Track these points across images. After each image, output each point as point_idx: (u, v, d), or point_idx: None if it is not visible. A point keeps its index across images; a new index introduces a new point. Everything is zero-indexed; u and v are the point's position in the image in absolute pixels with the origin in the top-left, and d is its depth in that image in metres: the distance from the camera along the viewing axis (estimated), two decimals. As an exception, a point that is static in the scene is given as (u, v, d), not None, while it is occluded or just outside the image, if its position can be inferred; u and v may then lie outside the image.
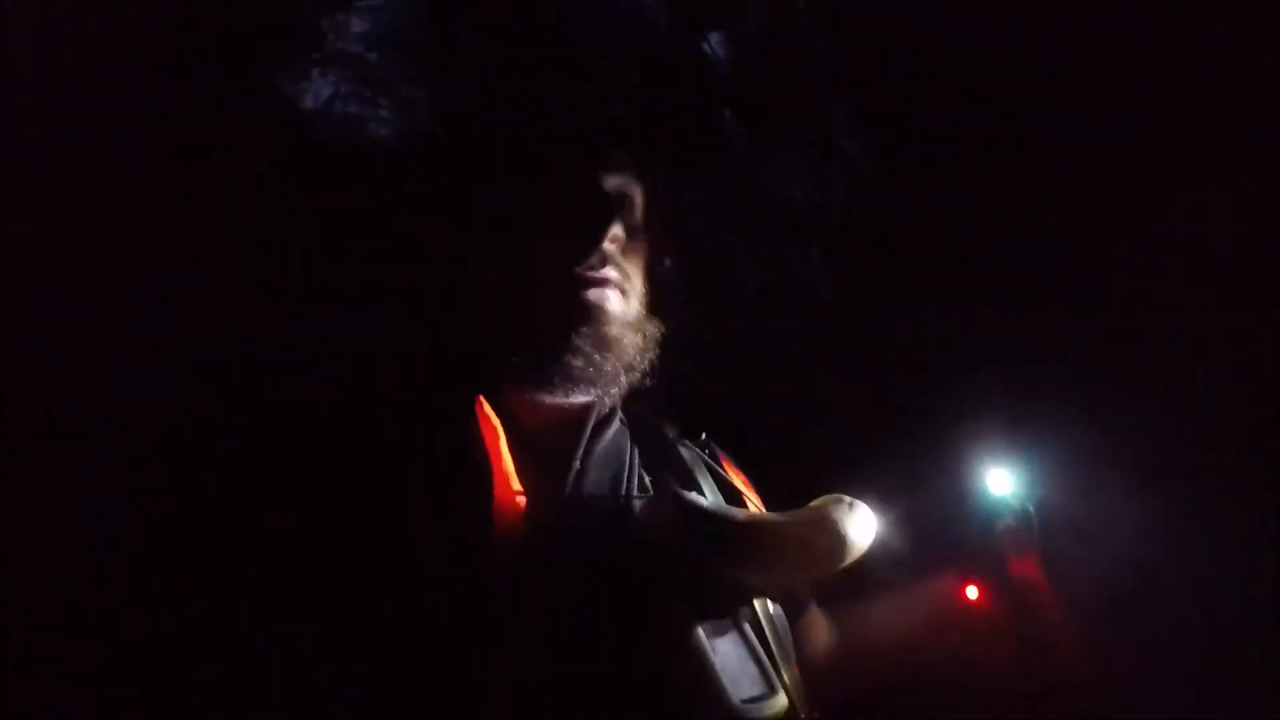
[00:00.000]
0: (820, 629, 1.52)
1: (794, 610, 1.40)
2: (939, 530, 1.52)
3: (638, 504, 1.27)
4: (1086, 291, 1.78)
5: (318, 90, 1.47)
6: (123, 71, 1.48)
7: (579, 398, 1.30)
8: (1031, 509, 1.47)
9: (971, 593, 1.50)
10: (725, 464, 1.47)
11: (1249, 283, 1.74)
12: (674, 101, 1.61)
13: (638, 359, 1.34)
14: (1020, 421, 1.55)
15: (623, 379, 1.32)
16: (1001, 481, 1.48)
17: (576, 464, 1.25)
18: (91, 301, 1.51)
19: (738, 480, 1.46)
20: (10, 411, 1.44)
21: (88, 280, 1.53)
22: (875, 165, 1.75)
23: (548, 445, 1.25)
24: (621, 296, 1.32)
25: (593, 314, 1.27)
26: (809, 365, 1.74)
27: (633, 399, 1.40)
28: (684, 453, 1.41)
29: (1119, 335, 1.72)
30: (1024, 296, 1.76)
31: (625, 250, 1.34)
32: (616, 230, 1.30)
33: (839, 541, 1.22)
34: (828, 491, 1.31)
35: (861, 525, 1.25)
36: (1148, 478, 1.59)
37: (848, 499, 1.27)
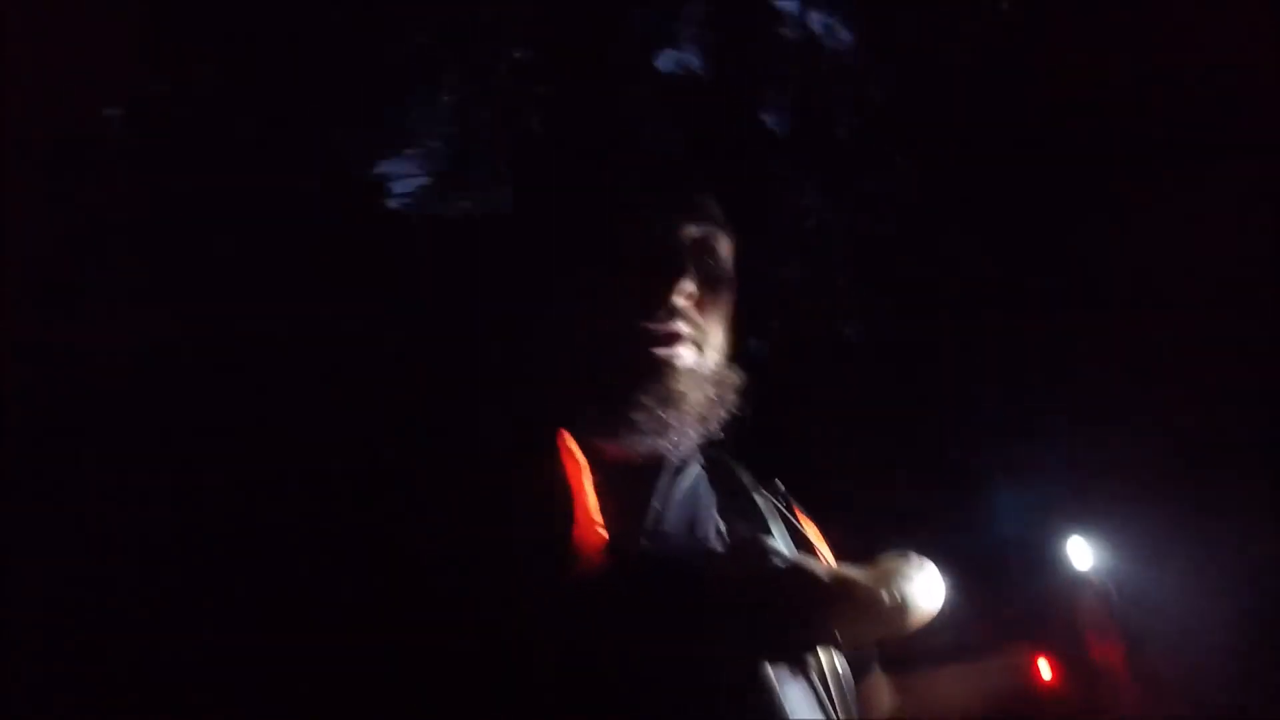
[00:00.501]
0: (883, 694, 1.47)
1: (859, 670, 1.35)
2: (1014, 600, 1.46)
3: (715, 546, 1.26)
4: (1177, 363, 1.72)
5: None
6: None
7: (648, 446, 1.28)
8: (1113, 585, 1.41)
9: (1045, 670, 1.44)
10: (798, 514, 1.45)
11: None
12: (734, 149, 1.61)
13: (710, 411, 1.32)
14: (1108, 489, 1.49)
15: (692, 432, 1.30)
16: (1083, 553, 1.42)
17: (656, 504, 1.25)
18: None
19: (810, 530, 1.44)
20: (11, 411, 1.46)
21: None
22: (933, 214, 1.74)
23: (628, 485, 1.24)
24: (695, 350, 1.30)
25: (659, 370, 1.26)
26: (887, 423, 1.71)
27: (711, 445, 1.38)
28: (759, 500, 1.40)
29: (1211, 402, 1.66)
30: (1113, 364, 1.71)
31: (704, 302, 1.32)
32: (688, 283, 1.29)
33: (907, 602, 1.17)
34: (896, 542, 1.27)
35: (931, 587, 1.21)
36: (1242, 566, 1.51)
37: (915, 556, 1.23)
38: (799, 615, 1.16)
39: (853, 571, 1.24)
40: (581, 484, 1.18)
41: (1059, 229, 1.98)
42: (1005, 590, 1.44)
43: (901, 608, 1.18)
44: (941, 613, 1.22)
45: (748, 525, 1.31)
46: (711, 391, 1.32)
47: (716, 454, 1.41)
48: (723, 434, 1.35)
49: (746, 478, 1.44)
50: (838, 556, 1.44)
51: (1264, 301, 1.71)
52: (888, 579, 1.19)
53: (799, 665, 1.17)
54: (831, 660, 1.24)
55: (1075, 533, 1.43)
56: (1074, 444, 1.64)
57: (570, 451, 1.21)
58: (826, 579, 1.22)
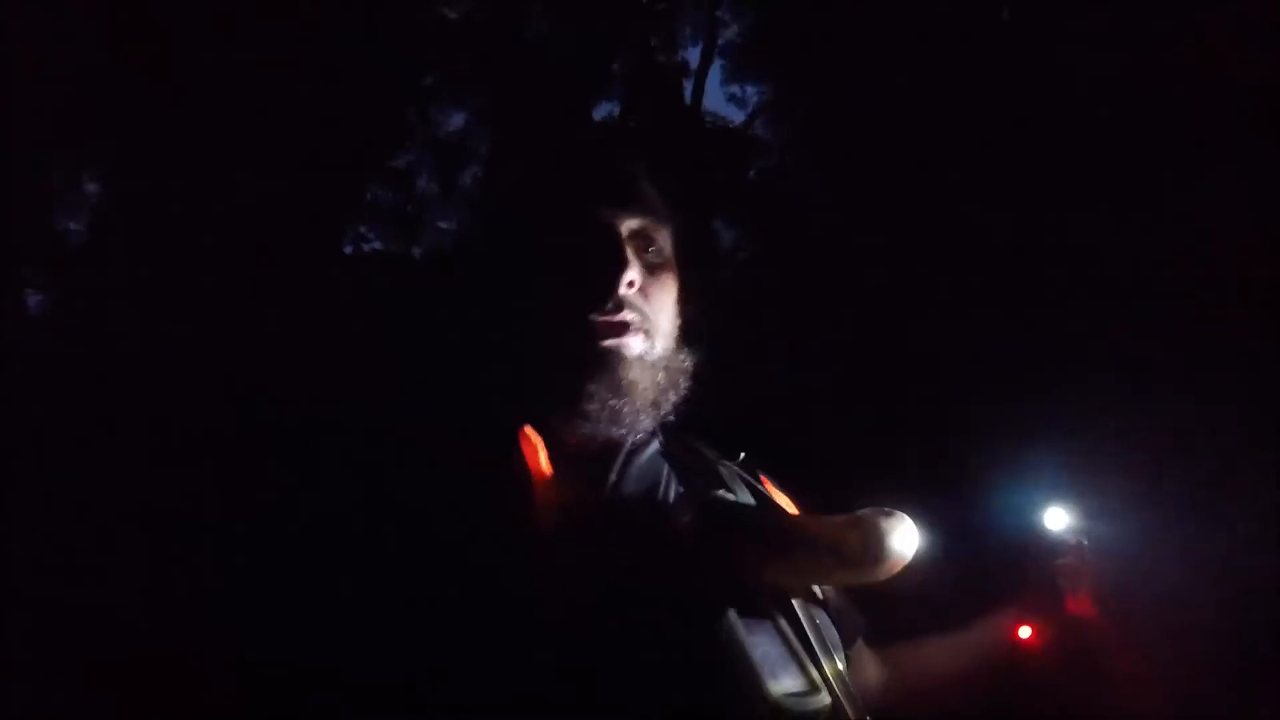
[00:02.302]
0: (868, 665, 1.51)
1: (845, 640, 1.38)
2: (992, 567, 1.52)
3: (673, 507, 1.30)
4: (1148, 327, 1.79)
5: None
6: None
7: (603, 434, 1.32)
8: (1087, 544, 1.46)
9: (1024, 632, 1.49)
10: (765, 482, 1.49)
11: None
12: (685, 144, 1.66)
13: (662, 397, 1.35)
14: (1078, 455, 1.55)
15: (645, 418, 1.33)
16: (1058, 517, 1.48)
17: (613, 476, 1.30)
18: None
19: (780, 498, 1.47)
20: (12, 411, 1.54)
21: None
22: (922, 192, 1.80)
23: (586, 462, 1.29)
24: (643, 338, 1.33)
25: (608, 360, 1.29)
26: (857, 392, 1.77)
27: (669, 427, 1.42)
28: (722, 470, 1.43)
29: (1183, 369, 1.72)
30: (1085, 332, 1.78)
31: (647, 289, 1.35)
32: (633, 274, 1.31)
33: (875, 544, 1.20)
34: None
35: (902, 535, 1.22)
36: (1205, 512, 1.57)
37: (888, 509, 1.25)
38: (755, 563, 1.22)
39: (814, 517, 1.31)
40: (538, 461, 1.23)
41: (1048, 219, 2.05)
42: (984, 556, 1.50)
43: (866, 550, 1.20)
44: (920, 571, 1.24)
45: (708, 486, 1.34)
46: (662, 377, 1.35)
47: (676, 434, 1.45)
48: (674, 417, 1.39)
49: (710, 452, 1.47)
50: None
51: (1231, 275, 1.77)
52: (854, 523, 1.22)
53: (766, 614, 1.20)
54: (804, 604, 1.26)
55: (1053, 499, 1.48)
56: (1052, 413, 1.70)
57: (528, 435, 1.25)
58: (782, 522, 1.30)
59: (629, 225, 1.37)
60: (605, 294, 1.30)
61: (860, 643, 1.49)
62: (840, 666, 1.25)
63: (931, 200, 2.71)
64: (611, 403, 1.29)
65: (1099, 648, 1.44)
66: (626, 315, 1.31)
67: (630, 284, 1.32)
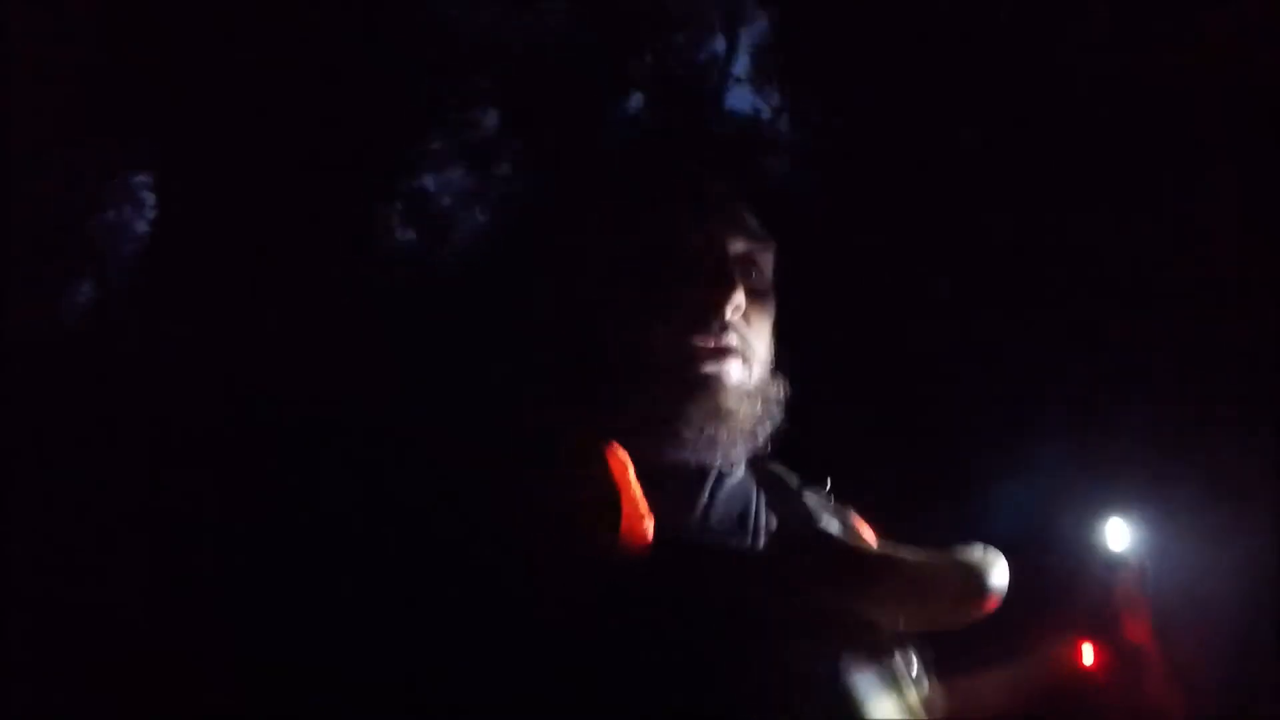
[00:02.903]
0: (936, 699, 1.40)
1: (930, 664, 1.35)
2: (1054, 588, 1.47)
3: (764, 538, 1.26)
4: (1209, 345, 1.75)
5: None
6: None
7: (695, 461, 1.28)
8: (1148, 566, 1.41)
9: (1087, 656, 1.44)
10: (854, 517, 1.46)
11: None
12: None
13: (758, 426, 1.31)
14: (1143, 473, 1.50)
15: (739, 447, 1.30)
16: (1120, 535, 1.42)
17: (705, 497, 1.26)
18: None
19: (866, 532, 1.44)
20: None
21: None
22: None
23: (674, 484, 1.25)
24: (742, 365, 1.30)
25: (708, 386, 1.25)
26: (921, 419, 1.72)
27: (757, 457, 1.38)
28: (810, 502, 1.40)
29: (1252, 388, 1.68)
30: (1147, 349, 1.74)
31: (749, 315, 1.31)
32: (739, 296, 1.27)
33: (976, 583, 1.19)
34: (940, 541, 1.28)
35: (999, 572, 1.22)
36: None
37: (983, 546, 1.24)
38: (855, 602, 1.18)
39: (915, 553, 1.26)
40: (628, 480, 1.17)
41: (1094, 224, 2.01)
42: (1044, 579, 1.45)
43: (969, 591, 1.20)
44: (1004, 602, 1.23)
45: (799, 520, 1.31)
46: (758, 406, 1.31)
47: (763, 462, 1.41)
48: (769, 447, 1.35)
49: (795, 482, 1.44)
50: None
51: (1231, 275, 1.74)
52: (956, 562, 1.22)
53: (870, 656, 1.17)
54: (909, 656, 1.24)
55: (1111, 515, 1.43)
56: (1107, 429, 1.66)
57: (615, 453, 1.20)
58: (885, 559, 1.26)
59: (735, 248, 1.33)
60: (710, 318, 1.26)
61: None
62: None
63: (931, 199, 2.65)
64: (709, 431, 1.25)
65: (1150, 679, 1.39)
66: (730, 341, 1.28)
67: (737, 309, 1.27)
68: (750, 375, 1.31)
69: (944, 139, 2.62)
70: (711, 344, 1.26)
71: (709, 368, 1.26)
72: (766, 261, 1.39)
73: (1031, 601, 1.41)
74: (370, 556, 1.13)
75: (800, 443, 1.40)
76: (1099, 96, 2.76)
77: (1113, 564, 1.41)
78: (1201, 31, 2.73)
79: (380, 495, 1.19)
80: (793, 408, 1.37)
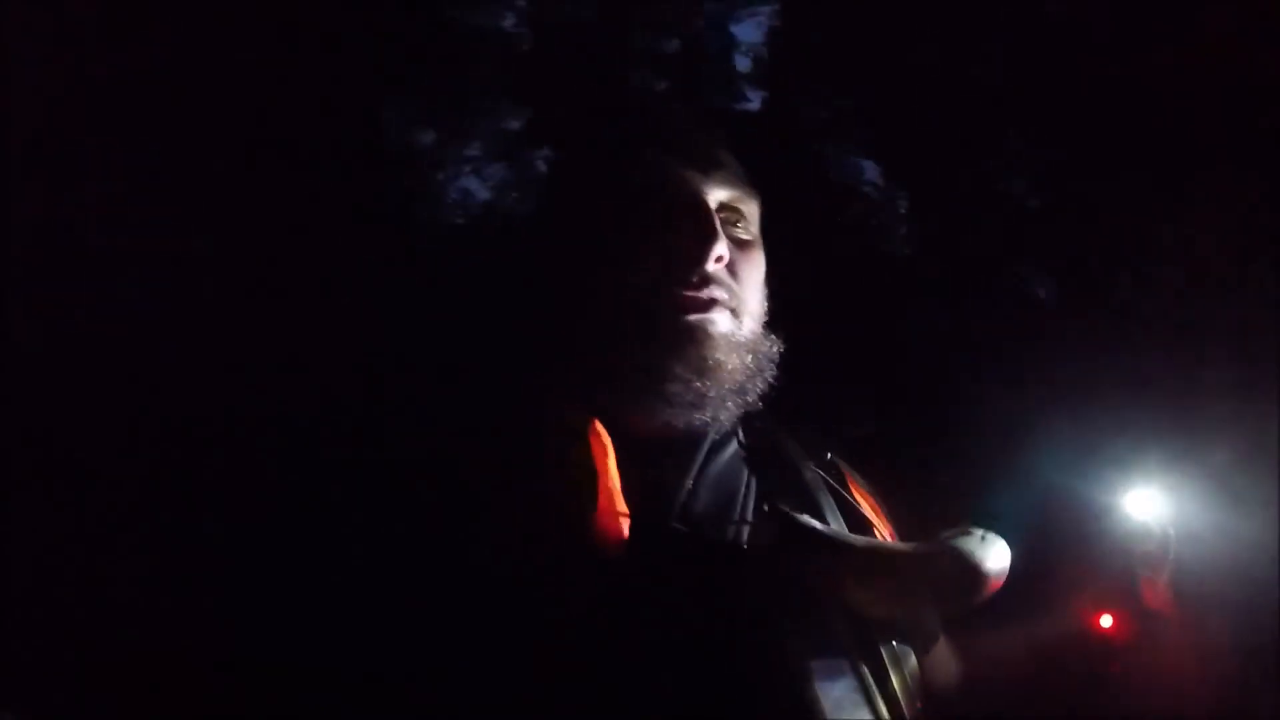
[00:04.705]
0: (945, 659, 1.44)
1: (921, 644, 1.31)
2: (1075, 553, 1.48)
3: (751, 528, 1.21)
4: (1231, 310, 1.77)
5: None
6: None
7: (685, 420, 1.23)
8: (1171, 533, 1.42)
9: (1105, 621, 1.45)
10: (854, 488, 1.41)
11: None
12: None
13: (750, 382, 1.27)
14: (1168, 440, 1.51)
15: (730, 403, 1.25)
16: (1144, 503, 1.43)
17: (689, 483, 1.21)
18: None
19: (865, 506, 1.39)
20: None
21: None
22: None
23: (659, 464, 1.20)
24: (730, 316, 1.25)
25: (694, 337, 1.20)
26: (942, 381, 1.73)
27: (753, 418, 1.33)
28: (807, 476, 1.34)
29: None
30: (1167, 316, 1.76)
31: (736, 266, 1.27)
32: (721, 248, 1.22)
33: (970, 577, 1.14)
34: (958, 513, 1.25)
35: (996, 559, 1.17)
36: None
37: (981, 531, 1.19)
38: (841, 598, 1.13)
39: (905, 547, 1.22)
40: (606, 466, 1.13)
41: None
42: (1065, 542, 1.46)
43: (961, 585, 1.15)
44: (1006, 583, 1.18)
45: (793, 503, 1.23)
46: (749, 360, 1.26)
47: (760, 427, 1.36)
48: (761, 406, 1.30)
49: (794, 451, 1.38)
50: (897, 529, 1.42)
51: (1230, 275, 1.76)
52: (948, 554, 1.16)
53: (845, 659, 1.13)
54: (893, 650, 1.19)
55: (1134, 485, 1.43)
56: (1132, 398, 1.67)
57: (596, 433, 1.16)
58: (873, 555, 1.19)
59: (718, 196, 1.28)
60: (691, 267, 1.21)
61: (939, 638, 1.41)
62: (910, 695, 1.18)
63: (930, 200, 2.68)
64: (696, 384, 1.20)
65: (1174, 644, 1.40)
66: (714, 291, 1.22)
67: (719, 258, 1.22)
68: (740, 327, 1.26)
69: (940, 136, 2.62)
70: (695, 293, 1.21)
71: (693, 317, 1.21)
72: (753, 212, 1.34)
73: (1052, 568, 1.43)
74: (352, 546, 1.10)
75: (801, 406, 1.37)
76: (1099, 96, 2.78)
77: (1134, 533, 1.42)
78: (1201, 31, 2.76)
79: (362, 484, 1.16)
80: (791, 369, 1.33)
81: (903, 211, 2.05)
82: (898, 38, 2.62)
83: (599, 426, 1.17)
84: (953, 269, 1.78)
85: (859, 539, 1.24)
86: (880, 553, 1.22)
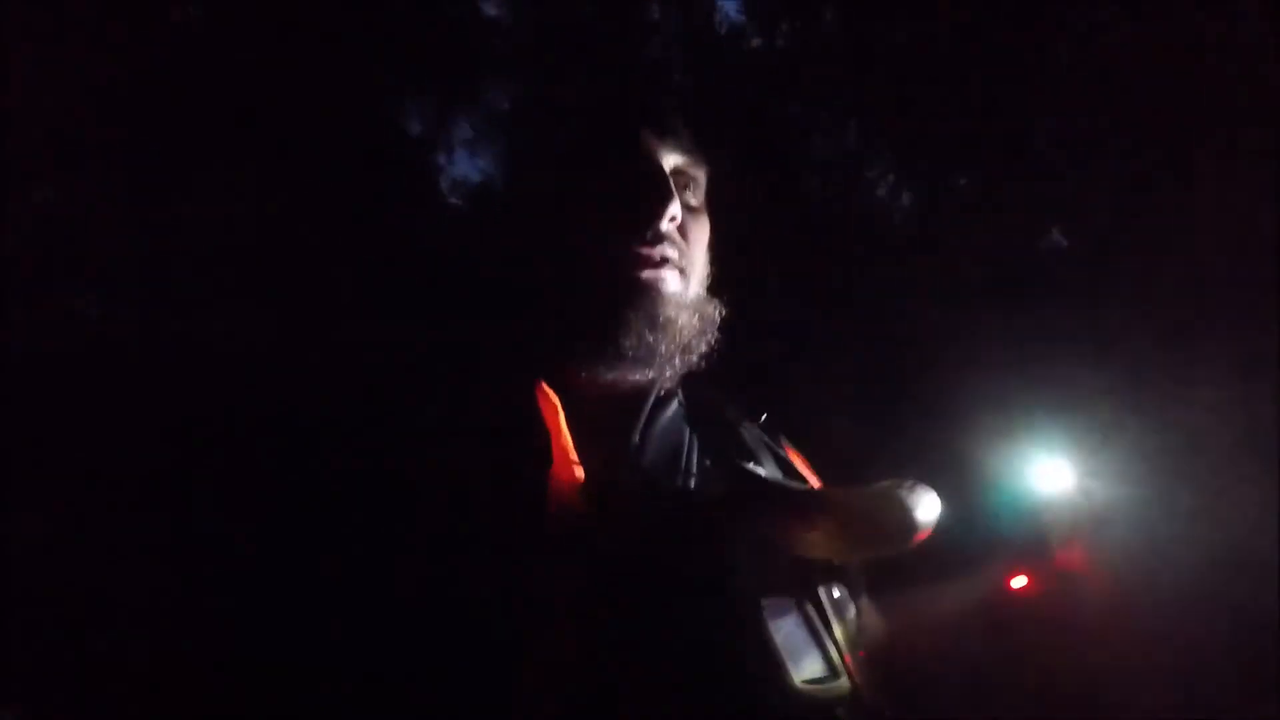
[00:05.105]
0: (871, 618, 1.45)
1: (852, 594, 1.34)
2: (988, 520, 1.48)
3: (696, 478, 1.24)
4: (1141, 286, 1.76)
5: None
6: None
7: (633, 377, 1.26)
8: (1082, 499, 1.42)
9: (1019, 581, 1.45)
10: (787, 448, 1.45)
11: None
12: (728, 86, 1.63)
13: (695, 341, 1.28)
14: (1072, 411, 1.52)
15: (678, 360, 1.27)
16: (1053, 471, 1.44)
17: (635, 438, 1.23)
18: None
19: (798, 463, 1.43)
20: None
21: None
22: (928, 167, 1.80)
23: (607, 422, 1.22)
24: (680, 276, 1.27)
25: (647, 293, 1.22)
26: (855, 355, 1.74)
27: (693, 380, 1.36)
28: (745, 434, 1.38)
29: (1179, 328, 1.70)
30: (1077, 291, 1.76)
31: (686, 229, 1.29)
32: (674, 209, 1.24)
33: (907, 519, 1.17)
34: (877, 479, 1.27)
35: (927, 506, 1.20)
36: (1199, 470, 1.54)
37: (911, 481, 1.23)
38: (787, 541, 1.16)
39: (845, 491, 1.25)
40: (558, 424, 1.14)
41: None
42: (982, 513, 1.46)
43: (898, 525, 1.17)
44: (934, 533, 1.21)
45: (733, 456, 1.28)
46: (695, 320, 1.28)
47: (700, 387, 1.39)
48: (704, 366, 1.32)
49: (732, 412, 1.41)
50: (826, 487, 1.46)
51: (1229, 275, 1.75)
52: (886, 497, 1.19)
53: (790, 597, 1.16)
54: (829, 588, 1.22)
55: (1047, 455, 1.44)
56: (1047, 371, 1.68)
57: (547, 396, 1.18)
58: (816, 498, 1.24)
59: (671, 160, 1.30)
60: (647, 224, 1.23)
61: (863, 595, 1.43)
62: (852, 643, 1.21)
63: (930, 199, 2.68)
64: (648, 338, 1.21)
65: (1088, 602, 1.40)
66: (666, 250, 1.24)
67: (673, 219, 1.25)
68: (687, 288, 1.29)
69: (941, 135, 2.64)
70: (649, 250, 1.23)
71: (646, 274, 1.23)
72: (702, 179, 1.37)
73: (970, 532, 1.43)
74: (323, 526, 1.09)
75: (738, 370, 1.40)
76: (1099, 96, 2.77)
77: (1049, 499, 1.43)
78: (1201, 31, 2.75)
79: (327, 468, 1.15)
80: (731, 333, 1.36)
81: (852, 184, 2.06)
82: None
83: (546, 387, 1.20)
84: (886, 247, 1.79)
85: (800, 485, 1.30)
86: (820, 496, 1.28)
